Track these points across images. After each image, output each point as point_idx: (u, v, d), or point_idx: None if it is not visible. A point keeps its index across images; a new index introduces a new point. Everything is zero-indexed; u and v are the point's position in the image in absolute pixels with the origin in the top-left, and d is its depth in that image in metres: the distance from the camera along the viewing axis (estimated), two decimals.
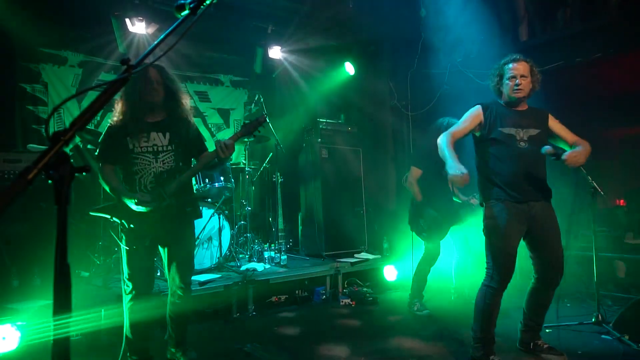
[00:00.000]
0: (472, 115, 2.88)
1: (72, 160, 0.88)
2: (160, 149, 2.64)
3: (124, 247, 2.61)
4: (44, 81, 5.27)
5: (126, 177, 2.67)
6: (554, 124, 2.91)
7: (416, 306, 4.10)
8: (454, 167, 2.54)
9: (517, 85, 2.79)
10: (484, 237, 2.84)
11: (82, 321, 2.99)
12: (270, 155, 5.59)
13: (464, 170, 2.50)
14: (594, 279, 3.51)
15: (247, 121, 2.76)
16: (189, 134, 2.75)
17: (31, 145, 4.10)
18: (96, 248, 4.55)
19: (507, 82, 2.85)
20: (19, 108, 5.05)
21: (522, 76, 2.81)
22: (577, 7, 4.58)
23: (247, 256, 5.08)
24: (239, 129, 2.69)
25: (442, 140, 2.75)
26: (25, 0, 4.61)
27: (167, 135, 2.67)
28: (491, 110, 2.89)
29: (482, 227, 2.85)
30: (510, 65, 2.84)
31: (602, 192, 3.37)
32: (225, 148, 2.56)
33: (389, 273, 5.10)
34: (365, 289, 4.74)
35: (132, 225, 2.57)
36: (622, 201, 4.71)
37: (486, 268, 2.81)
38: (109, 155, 2.68)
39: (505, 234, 2.72)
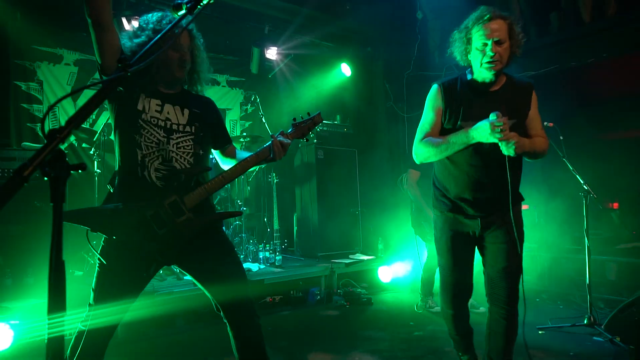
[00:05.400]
0: (431, 100, 2.25)
1: (67, 158, 0.89)
2: (175, 127, 1.90)
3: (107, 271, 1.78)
4: (39, 79, 5.24)
5: (124, 147, 1.85)
6: (534, 108, 2.21)
7: (428, 304, 4.29)
8: (481, 124, 1.97)
9: (491, 56, 2.02)
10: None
11: (76, 320, 2.96)
12: None
13: (493, 116, 1.93)
14: (586, 281, 3.54)
15: (297, 120, 2.14)
16: (212, 116, 2.08)
17: (25, 143, 4.09)
18: (89, 246, 4.53)
19: (475, 51, 2.08)
20: (13, 106, 5.02)
21: (496, 42, 2.03)
22: (570, 12, 4.63)
23: (242, 256, 5.08)
24: (291, 128, 2.10)
25: (418, 149, 2.19)
26: None
27: (186, 112, 1.95)
28: (453, 93, 2.19)
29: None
30: (482, 26, 2.04)
31: (594, 195, 3.40)
32: (282, 149, 1.97)
33: (384, 274, 5.12)
34: (359, 290, 4.75)
35: (126, 242, 1.74)
36: (615, 204, 4.75)
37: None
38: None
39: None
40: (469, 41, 2.12)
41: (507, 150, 1.98)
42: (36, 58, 5.23)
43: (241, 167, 1.94)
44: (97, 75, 6.28)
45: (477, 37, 2.06)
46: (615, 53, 4.46)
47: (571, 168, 3.51)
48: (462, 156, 2.16)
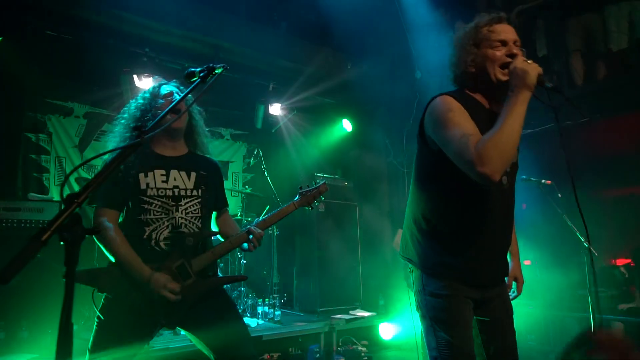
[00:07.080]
0: (455, 108, 1.58)
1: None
2: (182, 192, 1.96)
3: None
4: (49, 131, 5.38)
5: (130, 229, 1.88)
6: None
7: None
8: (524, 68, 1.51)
9: (513, 56, 1.60)
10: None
11: None
12: (267, 208, 5.63)
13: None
14: None
15: (304, 188, 2.21)
16: (216, 179, 2.15)
17: (31, 194, 4.14)
18: (86, 299, 4.45)
19: (490, 51, 1.63)
20: (22, 157, 5.13)
21: (515, 43, 1.65)
22: (563, 75, 4.85)
23: (240, 310, 4.97)
24: (297, 196, 2.19)
25: (482, 143, 1.45)
26: (37, 54, 4.81)
27: (192, 175, 2.01)
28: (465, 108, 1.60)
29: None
30: (497, 26, 1.66)
31: (595, 253, 3.40)
32: (257, 243, 2.02)
33: (385, 331, 4.99)
34: (360, 348, 4.62)
35: (132, 304, 1.77)
36: (619, 260, 4.71)
37: None
38: (115, 195, 1.86)
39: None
40: (477, 46, 1.66)
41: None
42: (47, 111, 5.40)
43: (234, 243, 2.02)
44: (104, 127, 6.37)
45: (492, 37, 1.64)
46: (609, 114, 4.62)
47: (570, 224, 3.53)
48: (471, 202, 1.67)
